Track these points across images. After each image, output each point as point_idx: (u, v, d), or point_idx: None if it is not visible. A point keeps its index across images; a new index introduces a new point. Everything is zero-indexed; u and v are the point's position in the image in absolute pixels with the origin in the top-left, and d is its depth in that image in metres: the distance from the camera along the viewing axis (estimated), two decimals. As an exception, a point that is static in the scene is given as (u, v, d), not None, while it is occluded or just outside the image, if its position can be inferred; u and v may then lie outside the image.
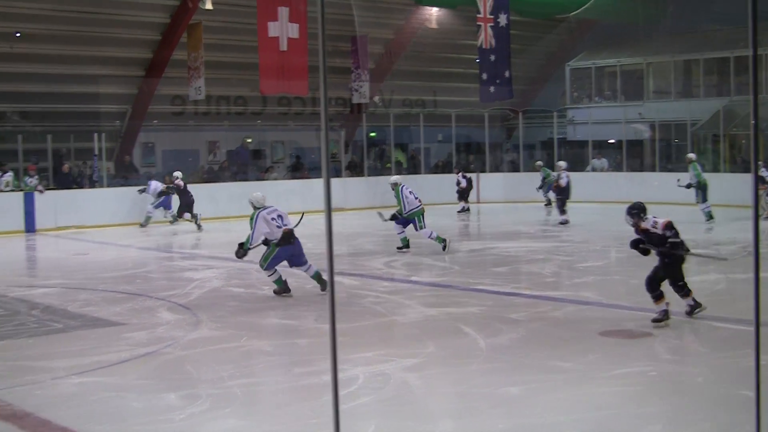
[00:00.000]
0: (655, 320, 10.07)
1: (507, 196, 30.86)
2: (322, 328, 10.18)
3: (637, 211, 10.33)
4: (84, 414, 7.21)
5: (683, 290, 10.27)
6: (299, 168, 32.55)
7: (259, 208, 12.44)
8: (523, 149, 34.27)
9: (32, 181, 24.58)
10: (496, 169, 34.23)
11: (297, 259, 12.62)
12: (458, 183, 28.08)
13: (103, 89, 29.14)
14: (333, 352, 4.58)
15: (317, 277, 12.63)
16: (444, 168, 33.52)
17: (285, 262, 12.64)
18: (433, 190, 29.11)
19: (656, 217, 10.24)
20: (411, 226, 17.29)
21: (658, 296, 10.13)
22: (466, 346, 9.36)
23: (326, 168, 4.26)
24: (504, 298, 9.92)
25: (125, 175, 28.55)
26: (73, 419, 7.02)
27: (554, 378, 8.13)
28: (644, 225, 10.24)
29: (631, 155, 31.88)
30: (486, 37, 28.89)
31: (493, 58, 29.07)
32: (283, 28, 24.88)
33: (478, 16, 28.66)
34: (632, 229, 10.29)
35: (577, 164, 31.57)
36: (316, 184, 28.44)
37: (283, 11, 24.54)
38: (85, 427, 6.80)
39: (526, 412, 7.11)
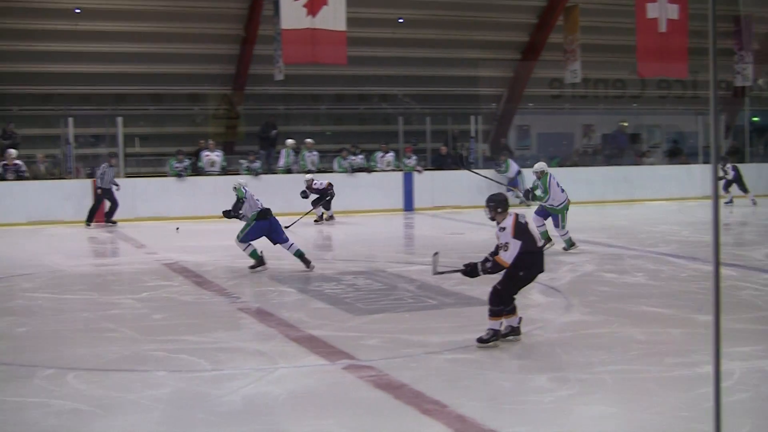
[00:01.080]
0: (502, 336, 8.75)
1: None
2: (697, 319, 9.83)
3: (494, 204, 8.66)
4: (455, 389, 7.39)
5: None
6: (677, 153, 31.72)
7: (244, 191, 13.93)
8: None
9: (410, 162, 25.62)
10: None
11: (276, 236, 13.82)
12: (726, 174, 25.67)
13: (481, 72, 29.80)
14: (716, 345, 4.39)
15: (299, 255, 13.71)
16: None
17: (270, 243, 13.92)
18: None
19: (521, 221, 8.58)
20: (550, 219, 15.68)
21: (511, 310, 8.76)
22: None
23: (714, 155, 4.10)
24: None
25: (501, 157, 29.00)
26: (444, 393, 7.22)
27: None
28: (499, 226, 8.60)
29: None
30: None
31: None
32: (662, 9, 24.36)
33: None
34: None
35: None
36: (696, 170, 27.54)
37: (663, -8, 24.03)
38: (455, 402, 6.97)
39: None
